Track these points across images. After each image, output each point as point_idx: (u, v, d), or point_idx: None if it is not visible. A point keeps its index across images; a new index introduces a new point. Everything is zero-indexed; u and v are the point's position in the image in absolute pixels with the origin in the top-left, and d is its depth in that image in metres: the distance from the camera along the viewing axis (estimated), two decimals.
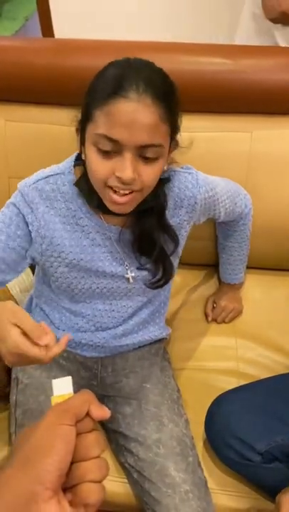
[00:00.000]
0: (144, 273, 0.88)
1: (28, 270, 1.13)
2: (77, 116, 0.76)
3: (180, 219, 0.88)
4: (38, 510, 0.35)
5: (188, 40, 1.10)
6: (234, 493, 0.88)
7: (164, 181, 0.84)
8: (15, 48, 1.13)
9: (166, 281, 0.90)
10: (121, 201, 0.73)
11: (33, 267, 1.13)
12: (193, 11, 2.16)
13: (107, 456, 0.92)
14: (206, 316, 1.18)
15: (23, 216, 0.80)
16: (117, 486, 0.90)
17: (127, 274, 0.87)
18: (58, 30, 2.36)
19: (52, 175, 0.82)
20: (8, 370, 1.02)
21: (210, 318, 1.17)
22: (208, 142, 1.08)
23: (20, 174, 1.17)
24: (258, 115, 1.10)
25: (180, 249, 0.92)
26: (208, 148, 1.08)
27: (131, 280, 0.88)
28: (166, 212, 0.85)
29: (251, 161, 1.10)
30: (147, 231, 0.84)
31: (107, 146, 0.69)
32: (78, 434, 0.39)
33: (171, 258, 0.88)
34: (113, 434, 0.92)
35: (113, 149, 0.69)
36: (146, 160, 0.71)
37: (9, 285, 1.08)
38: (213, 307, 1.19)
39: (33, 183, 0.81)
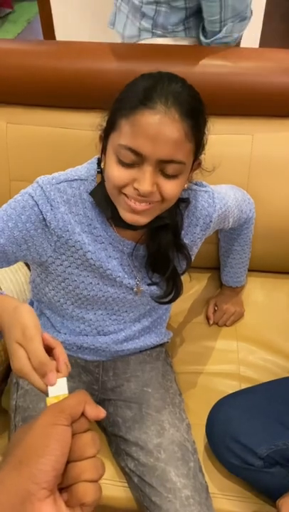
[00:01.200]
0: (153, 287, 0.88)
1: (28, 275, 1.13)
2: (101, 124, 0.75)
3: (194, 237, 0.88)
4: (33, 510, 0.35)
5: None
6: (235, 497, 0.88)
7: (182, 201, 0.83)
8: (16, 51, 1.13)
9: (175, 299, 0.89)
10: (138, 208, 0.71)
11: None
12: None
13: (108, 460, 0.92)
14: (208, 319, 1.18)
15: (41, 212, 0.77)
16: (117, 490, 0.89)
17: (136, 287, 0.87)
18: (59, 33, 2.36)
19: (76, 179, 0.80)
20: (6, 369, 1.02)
21: (211, 321, 1.17)
22: (210, 145, 1.07)
23: (21, 177, 1.18)
24: (260, 118, 1.10)
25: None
26: (209, 151, 1.07)
27: (139, 294, 0.88)
28: (181, 230, 0.84)
29: (252, 163, 1.10)
30: (162, 249, 0.83)
31: (128, 159, 0.68)
32: (74, 434, 0.39)
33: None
34: (114, 438, 0.92)
35: (134, 161, 0.68)
36: (166, 176, 0.70)
37: (6, 290, 1.08)
38: (215, 310, 1.19)
39: (57, 183, 0.78)
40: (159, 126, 0.65)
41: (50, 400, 0.45)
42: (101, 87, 1.07)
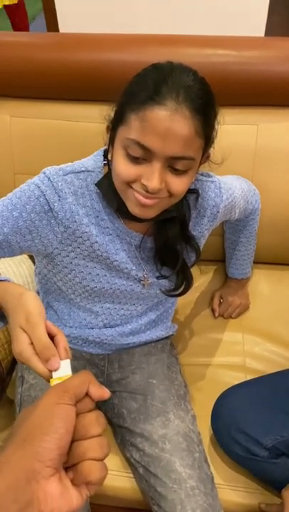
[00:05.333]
0: (162, 280, 0.88)
1: (31, 269, 1.13)
2: (109, 114, 0.73)
3: (202, 228, 0.87)
4: (38, 488, 0.35)
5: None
6: (241, 488, 0.88)
7: (191, 192, 0.82)
8: (20, 44, 1.13)
9: (186, 291, 0.88)
10: (146, 202, 0.70)
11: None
12: (194, 6, 2.14)
13: (113, 451, 0.92)
14: (213, 311, 1.18)
15: (47, 202, 0.76)
16: (123, 481, 0.89)
17: (144, 280, 0.87)
18: (63, 29, 2.36)
19: (83, 171, 0.79)
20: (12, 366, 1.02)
21: (216, 314, 1.17)
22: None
23: (25, 170, 1.18)
24: (265, 108, 1.09)
25: None
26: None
27: (146, 286, 0.88)
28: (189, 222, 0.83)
29: (257, 154, 1.10)
30: (171, 242, 0.82)
31: (137, 153, 0.67)
32: (78, 413, 0.40)
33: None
34: (119, 429, 0.92)
35: (143, 156, 0.67)
36: (175, 172, 0.69)
37: None
38: (220, 302, 1.18)
39: (64, 175, 0.78)
40: (169, 123, 0.64)
41: (54, 381, 0.45)
42: (105, 78, 1.07)
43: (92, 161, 0.81)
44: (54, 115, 1.14)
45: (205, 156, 0.75)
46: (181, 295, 0.89)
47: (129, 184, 0.70)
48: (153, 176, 0.67)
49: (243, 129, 1.09)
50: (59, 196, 0.76)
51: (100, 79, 1.08)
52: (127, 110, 0.68)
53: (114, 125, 0.71)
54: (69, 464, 0.39)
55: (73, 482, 0.38)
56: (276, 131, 1.09)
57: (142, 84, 0.67)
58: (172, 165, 0.68)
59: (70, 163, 0.82)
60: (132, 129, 0.66)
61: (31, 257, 1.14)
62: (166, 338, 1.03)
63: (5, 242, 0.78)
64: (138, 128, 0.66)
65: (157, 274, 0.87)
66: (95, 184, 0.79)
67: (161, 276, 0.87)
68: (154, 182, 0.67)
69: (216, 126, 0.72)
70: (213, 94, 0.69)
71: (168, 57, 0.72)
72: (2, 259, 1.08)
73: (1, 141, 1.17)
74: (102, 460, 0.39)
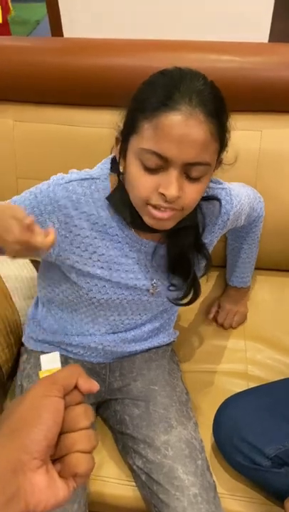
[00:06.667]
0: (171, 289, 0.87)
1: (33, 273, 1.13)
2: (118, 125, 0.72)
3: (212, 236, 0.87)
4: (25, 480, 0.35)
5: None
6: (243, 498, 0.87)
7: (208, 199, 0.82)
8: (24, 48, 1.13)
9: (194, 301, 0.87)
10: (162, 216, 0.69)
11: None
12: (198, 12, 2.15)
13: (114, 459, 0.91)
14: (211, 319, 1.17)
15: (41, 213, 0.75)
16: (125, 489, 0.88)
17: (152, 289, 0.86)
18: (67, 34, 2.37)
19: (87, 178, 0.78)
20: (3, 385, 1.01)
21: (211, 316, 1.16)
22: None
23: (28, 174, 1.18)
24: (268, 113, 1.09)
25: None
26: None
27: (155, 295, 0.87)
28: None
29: (261, 159, 1.09)
30: (185, 250, 0.81)
31: (153, 163, 0.65)
32: (67, 406, 0.40)
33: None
34: (120, 436, 0.91)
35: (159, 165, 0.66)
36: (190, 180, 0.67)
37: (11, 291, 1.07)
38: (218, 311, 1.17)
39: (66, 183, 0.76)
40: (184, 128, 0.63)
41: (42, 373, 0.45)
42: (109, 84, 1.07)
43: (99, 169, 0.80)
44: (57, 120, 1.13)
45: (218, 161, 0.74)
46: (189, 304, 0.88)
47: (146, 202, 0.69)
48: (171, 184, 0.65)
49: (246, 134, 1.09)
50: (53, 206, 0.75)
51: (104, 84, 1.07)
52: (138, 119, 0.66)
53: (126, 136, 0.70)
54: (56, 456, 0.39)
55: (60, 474, 0.38)
56: (280, 136, 1.09)
57: (152, 91, 0.66)
58: (188, 172, 0.67)
59: (76, 170, 0.81)
60: (146, 138, 0.65)
61: (33, 262, 1.14)
62: (167, 344, 1.02)
63: None
64: (152, 136, 0.64)
65: (167, 283, 0.86)
66: (106, 198, 0.77)
67: (172, 285, 0.86)
68: (172, 190, 0.65)
69: (229, 130, 0.71)
70: (223, 97, 0.69)
71: (172, 62, 0.71)
72: (3, 262, 1.08)
73: (3, 145, 1.17)
74: (89, 452, 0.39)
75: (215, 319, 1.17)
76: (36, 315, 1.00)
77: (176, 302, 0.88)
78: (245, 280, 1.15)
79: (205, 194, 0.82)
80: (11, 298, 1.04)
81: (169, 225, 0.73)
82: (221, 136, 0.68)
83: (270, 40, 2.20)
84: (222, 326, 1.16)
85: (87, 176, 0.78)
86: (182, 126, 0.63)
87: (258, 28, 2.11)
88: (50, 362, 0.46)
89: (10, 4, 3.05)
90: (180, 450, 0.83)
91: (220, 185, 0.86)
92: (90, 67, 1.08)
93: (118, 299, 0.86)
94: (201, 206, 0.81)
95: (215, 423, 0.90)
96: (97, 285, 0.83)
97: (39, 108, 1.14)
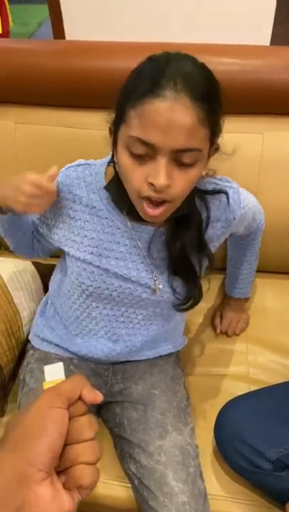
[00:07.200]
0: (167, 285, 0.84)
1: (35, 276, 1.13)
2: (110, 115, 0.71)
3: (213, 232, 0.84)
4: (30, 492, 0.35)
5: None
6: (244, 501, 0.86)
7: (208, 193, 0.81)
8: (25, 51, 1.14)
9: (195, 305, 0.86)
10: (154, 214, 0.69)
11: (42, 275, 1.13)
12: (201, 15, 2.15)
13: (114, 462, 0.91)
14: (215, 328, 1.16)
15: (56, 200, 0.82)
16: (120, 490, 0.88)
17: (154, 284, 0.84)
18: (69, 35, 2.38)
19: (82, 164, 0.83)
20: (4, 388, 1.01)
21: (218, 331, 1.15)
22: (219, 143, 1.07)
23: None
24: (270, 116, 1.08)
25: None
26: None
27: (158, 292, 0.84)
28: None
29: (263, 162, 1.09)
30: (185, 243, 0.79)
31: (140, 150, 0.64)
32: (71, 417, 0.40)
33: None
34: (118, 439, 0.91)
35: (147, 153, 0.64)
36: (182, 165, 0.65)
37: (13, 293, 1.07)
38: (221, 320, 1.16)
39: (66, 169, 0.84)
40: (169, 114, 0.61)
41: (46, 384, 0.45)
42: (110, 86, 1.06)
43: (102, 159, 0.84)
44: (59, 122, 1.14)
45: (213, 147, 0.72)
46: (190, 309, 0.87)
47: (139, 194, 0.68)
48: (159, 172, 0.64)
49: (248, 137, 1.09)
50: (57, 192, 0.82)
51: (106, 86, 1.06)
52: (125, 107, 0.65)
53: (116, 126, 0.69)
54: (61, 468, 0.39)
55: (65, 486, 0.38)
56: (282, 139, 1.09)
57: (138, 78, 0.65)
58: (178, 158, 0.64)
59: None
60: (133, 126, 0.64)
61: (34, 263, 1.14)
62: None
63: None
64: (138, 124, 0.63)
65: (166, 278, 0.84)
66: (104, 187, 0.79)
67: (172, 285, 0.84)
68: (160, 179, 0.64)
69: (221, 114, 0.69)
70: (215, 79, 0.66)
71: None
72: (5, 264, 1.08)
73: (5, 147, 1.17)
74: (94, 464, 0.39)
75: (214, 327, 1.16)
76: (44, 313, 1.01)
77: (179, 307, 0.87)
78: (242, 291, 1.14)
79: (211, 188, 0.81)
80: (13, 300, 1.04)
81: (163, 218, 0.73)
82: (211, 121, 0.65)
83: (271, 43, 2.20)
84: (226, 334, 1.15)
85: (83, 163, 0.83)
86: (167, 112, 0.61)
87: (259, 32, 2.11)
88: (54, 373, 0.46)
89: (10, 19, 3.04)
90: (173, 456, 0.82)
91: (228, 184, 0.84)
92: (92, 70, 1.08)
93: (108, 289, 0.84)
94: (206, 200, 0.80)
95: (216, 426, 0.90)
96: (86, 269, 0.84)
97: (41, 110, 1.14)
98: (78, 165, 0.83)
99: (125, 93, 0.66)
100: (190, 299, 0.85)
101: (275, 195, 1.11)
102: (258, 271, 1.16)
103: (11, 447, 0.36)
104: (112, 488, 0.89)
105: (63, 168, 0.84)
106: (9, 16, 3.00)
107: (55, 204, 0.83)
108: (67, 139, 1.14)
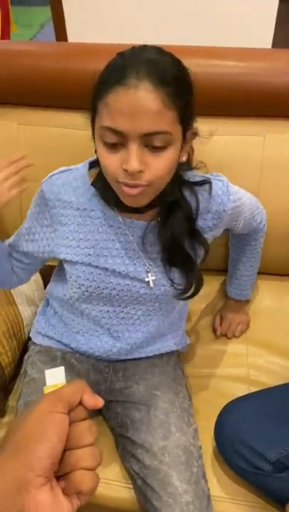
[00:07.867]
0: (164, 277, 0.85)
1: (38, 279, 1.13)
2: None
3: (204, 223, 0.85)
4: (29, 498, 0.35)
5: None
6: (244, 502, 0.87)
7: (197, 184, 0.82)
8: (28, 52, 1.14)
9: (197, 293, 0.87)
10: (132, 193, 0.70)
11: (43, 276, 1.13)
12: (202, 18, 2.16)
13: (115, 461, 0.91)
14: (215, 330, 1.16)
15: (43, 211, 0.85)
16: (123, 491, 0.89)
17: (148, 277, 0.85)
18: (72, 37, 2.38)
19: (65, 170, 0.85)
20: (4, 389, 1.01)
21: (218, 333, 1.15)
22: (221, 146, 1.07)
23: (32, 177, 1.17)
24: (271, 119, 1.09)
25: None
26: (220, 152, 1.07)
27: (151, 284, 0.85)
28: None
29: (264, 164, 1.09)
30: (176, 231, 0.81)
31: (112, 139, 0.67)
32: (71, 422, 0.39)
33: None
34: (121, 439, 0.91)
35: (119, 141, 0.67)
36: (155, 149, 0.67)
37: (15, 295, 1.08)
38: (221, 322, 1.17)
39: (49, 177, 0.85)
40: (133, 101, 0.63)
41: (47, 389, 0.45)
42: None
43: (80, 164, 0.86)
44: (61, 123, 1.14)
45: (190, 131, 0.74)
46: (192, 297, 0.87)
47: (116, 180, 0.71)
48: (130, 158, 0.66)
49: (249, 139, 1.09)
50: (44, 201, 0.85)
51: None
52: (96, 101, 0.69)
53: (92, 121, 0.73)
54: (61, 473, 0.38)
55: (64, 491, 0.38)
56: (283, 142, 1.09)
57: (106, 73, 0.68)
58: (149, 143, 0.67)
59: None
60: (103, 117, 0.67)
61: None
62: (173, 351, 1.02)
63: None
64: (106, 114, 0.66)
65: (163, 269, 0.85)
66: (91, 184, 0.82)
67: (170, 276, 0.85)
68: (132, 164, 0.66)
69: (191, 98, 0.70)
70: (182, 66, 0.69)
71: None
72: None
73: (8, 148, 1.17)
74: (94, 469, 0.39)
75: (214, 329, 1.16)
76: (45, 312, 1.02)
77: (179, 296, 0.87)
78: (243, 293, 1.14)
79: (199, 179, 0.83)
80: (14, 302, 1.05)
81: (143, 201, 0.74)
82: (177, 104, 0.66)
83: (273, 45, 2.21)
84: (225, 335, 1.15)
85: (65, 169, 0.85)
86: (131, 99, 0.64)
87: (261, 35, 2.11)
88: (55, 377, 0.46)
89: (12, 22, 3.05)
90: (176, 457, 0.82)
91: (218, 177, 0.86)
92: (94, 72, 1.08)
93: (107, 288, 0.86)
94: (195, 190, 0.82)
95: (216, 427, 0.90)
96: (85, 271, 0.85)
97: (43, 112, 1.15)
98: (61, 172, 0.85)
99: (96, 88, 0.70)
100: (190, 287, 0.86)
101: (276, 197, 1.11)
102: (258, 273, 1.17)
103: (12, 452, 0.36)
104: (113, 488, 0.89)
105: (46, 177, 0.85)
106: (11, 18, 3.01)
107: (42, 216, 0.86)
108: (70, 140, 1.14)
